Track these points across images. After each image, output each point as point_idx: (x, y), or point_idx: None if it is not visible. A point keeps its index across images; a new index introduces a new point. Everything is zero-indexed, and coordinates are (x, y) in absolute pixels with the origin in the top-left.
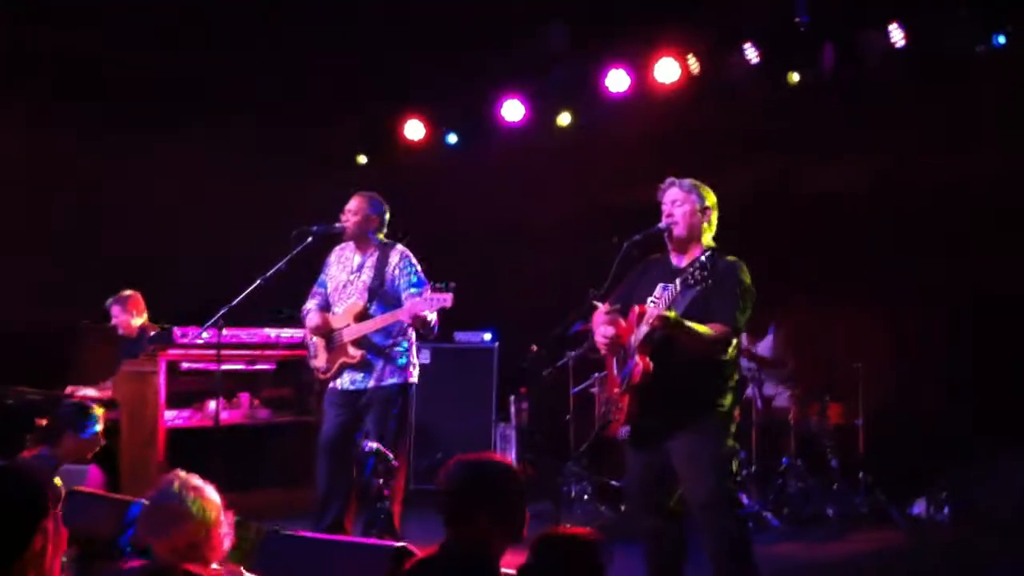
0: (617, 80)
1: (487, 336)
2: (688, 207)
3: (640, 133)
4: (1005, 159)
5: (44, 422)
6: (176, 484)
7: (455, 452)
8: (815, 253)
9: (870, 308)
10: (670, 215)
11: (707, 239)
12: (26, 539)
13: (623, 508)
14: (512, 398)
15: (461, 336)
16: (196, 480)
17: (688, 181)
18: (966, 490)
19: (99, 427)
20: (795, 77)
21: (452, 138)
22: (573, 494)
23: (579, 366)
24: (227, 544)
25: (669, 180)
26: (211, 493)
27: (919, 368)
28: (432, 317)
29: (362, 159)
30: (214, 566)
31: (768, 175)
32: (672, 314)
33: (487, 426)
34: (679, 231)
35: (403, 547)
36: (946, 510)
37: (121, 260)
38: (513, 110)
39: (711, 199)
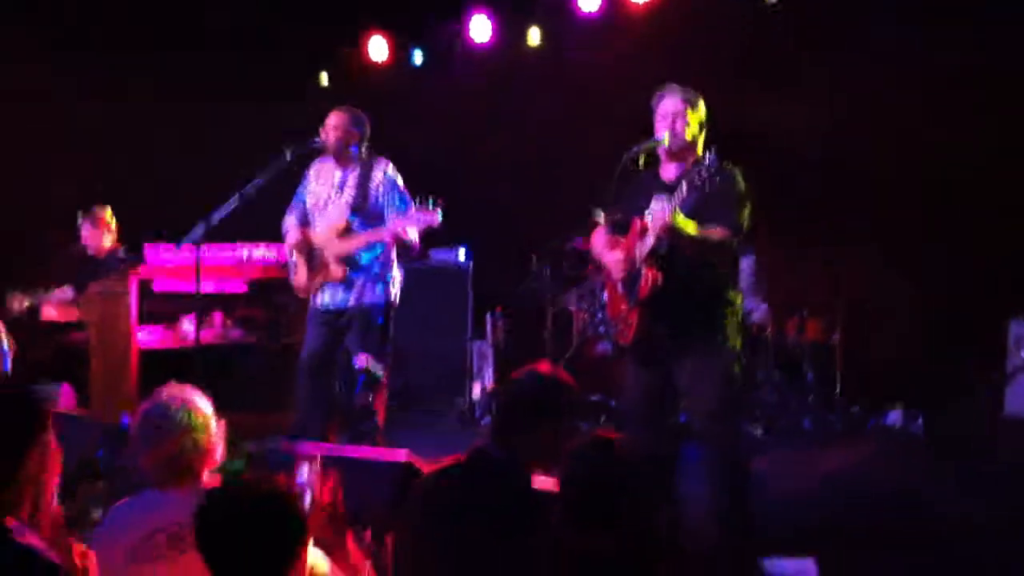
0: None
1: (460, 254)
2: (689, 117)
3: (609, 54)
4: None
5: None
6: (166, 395)
7: (430, 371)
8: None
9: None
10: (669, 126)
11: (700, 149)
12: (21, 457)
13: (615, 424)
14: (488, 316)
15: (436, 254)
16: (186, 391)
17: (689, 89)
18: (940, 403)
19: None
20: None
21: (418, 58)
22: None
23: (555, 282)
24: (219, 453)
25: (669, 86)
26: (201, 402)
27: (896, 286)
28: (415, 236)
29: (324, 80)
30: (207, 474)
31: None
32: (679, 217)
33: (462, 344)
34: (679, 142)
35: (409, 462)
36: (920, 421)
37: (89, 179)
38: (481, 27)
39: (703, 107)
